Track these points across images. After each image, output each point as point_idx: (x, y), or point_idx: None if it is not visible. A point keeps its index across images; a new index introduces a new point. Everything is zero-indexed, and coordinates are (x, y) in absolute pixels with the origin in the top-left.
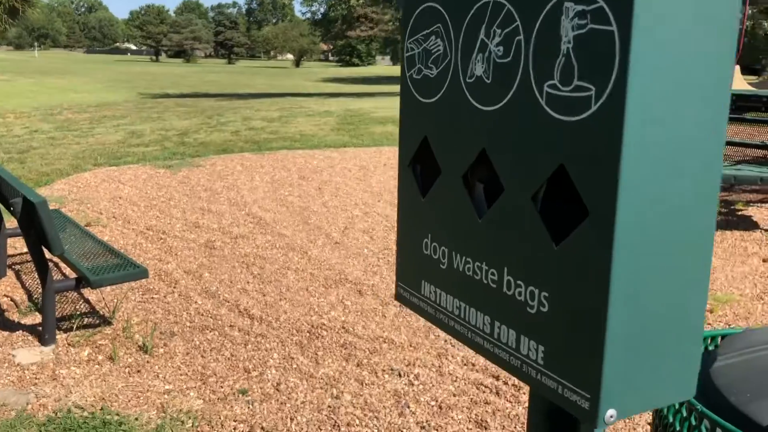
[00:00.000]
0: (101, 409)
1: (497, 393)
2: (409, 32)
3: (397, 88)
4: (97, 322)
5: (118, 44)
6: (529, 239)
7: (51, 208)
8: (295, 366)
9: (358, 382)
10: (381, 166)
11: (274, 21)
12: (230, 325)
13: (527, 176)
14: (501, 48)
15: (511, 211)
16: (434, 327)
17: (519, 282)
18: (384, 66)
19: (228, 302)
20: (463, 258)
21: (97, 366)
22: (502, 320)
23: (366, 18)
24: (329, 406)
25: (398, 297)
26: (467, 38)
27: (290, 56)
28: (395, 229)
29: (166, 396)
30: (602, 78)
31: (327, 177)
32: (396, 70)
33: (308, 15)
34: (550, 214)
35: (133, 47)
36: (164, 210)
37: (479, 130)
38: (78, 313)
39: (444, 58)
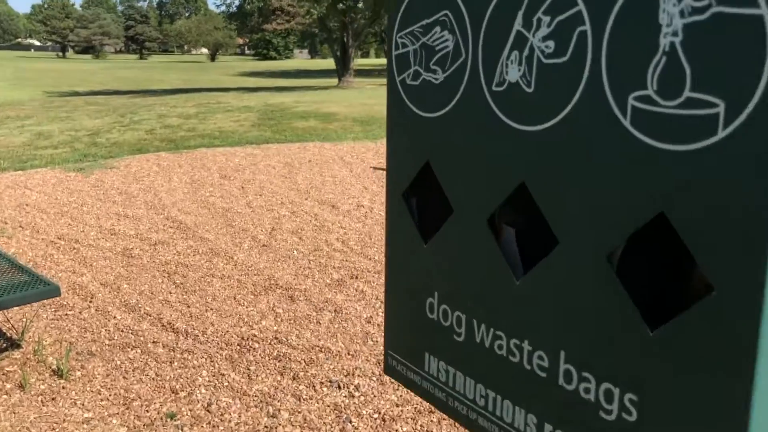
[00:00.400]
0: None
1: None
2: (400, 23)
3: (317, 81)
4: (4, 345)
5: (19, 40)
6: (601, 316)
7: None
8: (226, 383)
9: (296, 397)
10: (306, 163)
11: (186, 14)
12: (153, 342)
13: (598, 227)
14: (551, 43)
15: (570, 274)
16: (373, 332)
17: (585, 375)
18: (302, 59)
19: (150, 316)
20: (491, 330)
21: (5, 396)
22: (557, 424)
23: (282, 11)
24: (266, 426)
25: (388, 370)
26: (493, 30)
27: (205, 50)
28: (325, 228)
29: (85, 426)
30: (739, 88)
31: (250, 175)
32: (315, 64)
33: (223, 8)
34: (637, 281)
35: (37, 43)
36: (76, 217)
37: (515, 158)
38: None
39: (456, 57)
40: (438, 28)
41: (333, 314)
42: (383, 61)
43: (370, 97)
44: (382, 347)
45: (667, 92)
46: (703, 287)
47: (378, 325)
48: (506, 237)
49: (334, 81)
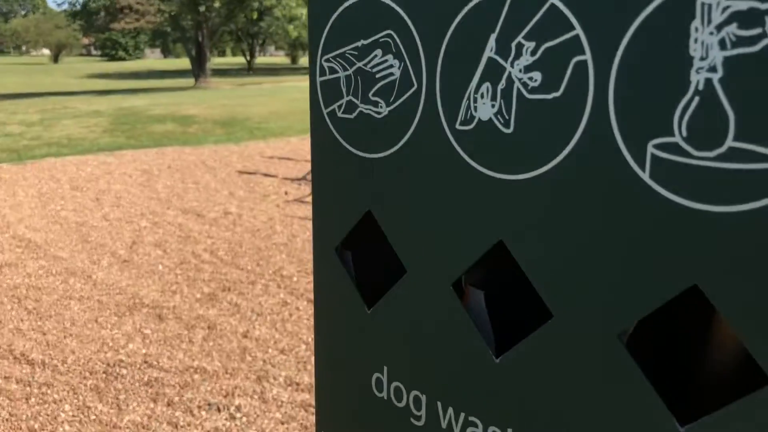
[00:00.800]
0: None
1: None
2: (325, 44)
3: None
4: None
5: None
6: (609, 407)
7: None
8: (93, 417)
9: (172, 425)
10: (166, 169)
11: (23, 13)
12: (5, 377)
13: (605, 298)
14: (537, 75)
15: (566, 353)
16: (251, 346)
17: None
18: (155, 59)
19: None
20: (462, 415)
21: None
22: None
23: (131, 9)
24: None
25: None
26: (456, 56)
27: (46, 51)
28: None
29: None
30: None
31: (105, 185)
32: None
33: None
34: (662, 367)
35: None
36: None
37: (488, 212)
38: None
39: (404, 87)
40: (379, 52)
41: (206, 331)
42: (241, 59)
43: (229, 98)
44: (261, 362)
45: (701, 141)
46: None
47: (256, 339)
48: (472, 301)
49: (191, 82)
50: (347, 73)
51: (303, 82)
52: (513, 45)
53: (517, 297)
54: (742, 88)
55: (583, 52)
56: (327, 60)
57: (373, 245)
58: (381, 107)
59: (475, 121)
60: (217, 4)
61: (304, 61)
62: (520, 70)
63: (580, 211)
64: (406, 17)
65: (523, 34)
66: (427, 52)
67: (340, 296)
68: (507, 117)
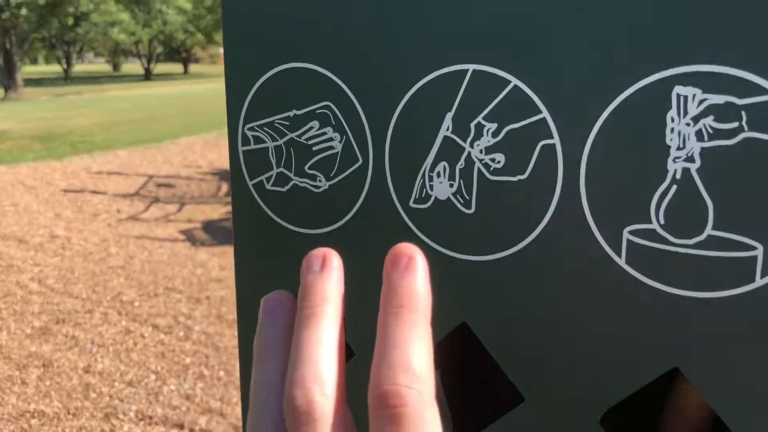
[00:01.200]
0: None
1: None
2: (248, 111)
3: None
4: None
5: None
6: None
7: None
8: None
9: None
10: None
11: None
12: None
13: (582, 383)
14: (500, 157)
15: None
16: (94, 382)
17: None
18: None
19: None
20: None
21: None
22: None
23: None
24: None
25: None
26: (407, 133)
27: None
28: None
29: None
30: None
31: None
32: None
33: None
34: None
35: None
36: None
37: (451, 292)
38: None
39: (347, 161)
40: (315, 123)
41: (41, 369)
42: (56, 68)
43: (47, 110)
44: (108, 397)
45: (681, 228)
46: None
47: (99, 373)
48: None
49: None
50: (277, 143)
51: (128, 91)
52: (472, 125)
53: (476, 377)
54: (721, 179)
55: (550, 137)
56: (251, 129)
57: None
58: (320, 181)
59: (432, 200)
60: (24, 11)
61: (127, 68)
62: (481, 151)
63: (551, 294)
64: (347, 89)
65: (483, 114)
66: (373, 127)
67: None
68: (468, 197)
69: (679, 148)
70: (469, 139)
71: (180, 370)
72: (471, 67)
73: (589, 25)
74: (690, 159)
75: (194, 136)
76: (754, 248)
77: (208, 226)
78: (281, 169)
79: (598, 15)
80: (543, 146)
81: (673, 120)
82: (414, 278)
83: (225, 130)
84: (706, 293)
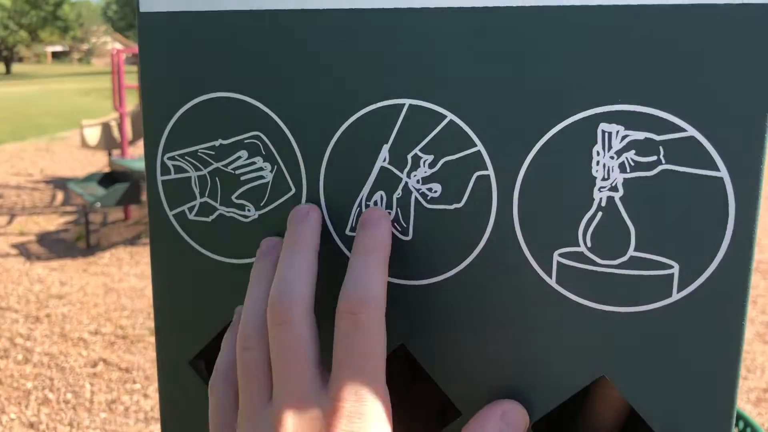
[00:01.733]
0: None
1: None
2: (168, 141)
3: None
4: None
5: None
6: None
7: None
8: None
9: None
10: None
11: None
12: None
13: (518, 396)
14: (436, 186)
15: None
16: None
17: None
18: None
19: None
20: None
21: None
22: None
23: None
24: None
25: None
26: (342, 164)
27: None
28: None
29: None
30: (696, 251)
31: None
32: None
33: None
34: None
35: None
36: None
37: (389, 316)
38: None
39: (279, 191)
40: (244, 153)
41: None
42: None
43: None
44: None
45: (605, 251)
46: None
47: None
48: None
49: None
50: (201, 173)
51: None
52: (409, 157)
53: (415, 396)
54: (641, 206)
55: (485, 168)
56: (171, 158)
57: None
58: (248, 210)
59: None
60: None
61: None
62: (418, 181)
63: (487, 315)
64: (279, 121)
65: (420, 147)
66: (306, 158)
67: (196, 411)
68: (405, 225)
69: (603, 179)
70: (406, 170)
71: (20, 396)
72: (407, 102)
73: (520, 69)
74: (614, 188)
75: (22, 142)
76: (671, 267)
77: (44, 239)
78: (205, 199)
79: (527, 60)
80: (478, 177)
81: (598, 153)
82: (378, 230)
83: (57, 135)
84: (629, 308)
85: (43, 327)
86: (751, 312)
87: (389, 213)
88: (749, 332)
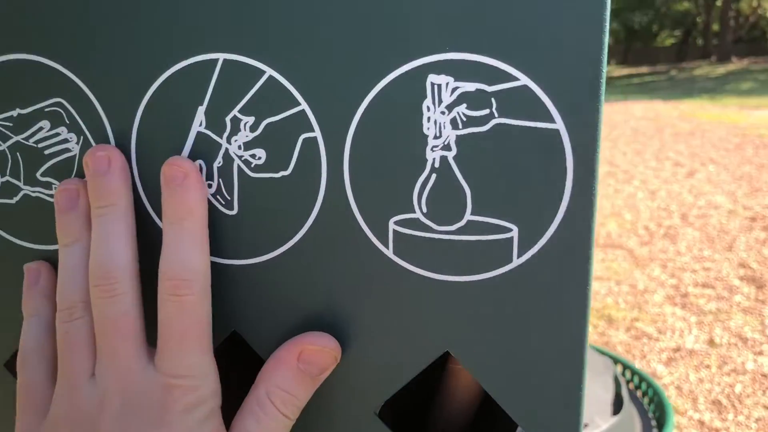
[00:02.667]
0: None
1: None
2: None
3: None
4: None
5: None
6: None
7: None
8: None
9: None
10: None
11: None
12: None
13: (360, 376)
14: (260, 152)
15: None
16: None
17: None
18: None
19: None
20: None
21: None
22: None
23: None
24: None
25: None
26: (156, 131)
27: None
28: None
29: None
30: (535, 210)
31: None
32: None
33: None
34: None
35: None
36: None
37: (222, 300)
38: None
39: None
40: (46, 123)
41: None
42: None
43: None
44: None
45: (442, 216)
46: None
47: None
48: None
49: None
50: (0, 148)
51: None
52: (228, 119)
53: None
54: (476, 165)
55: (311, 129)
56: None
57: None
58: (56, 189)
59: None
60: None
61: None
62: (239, 147)
63: (324, 291)
64: (81, 84)
65: (238, 107)
66: (114, 125)
67: (12, 411)
68: (229, 198)
69: (436, 137)
70: (225, 135)
71: None
72: (221, 56)
73: (341, 15)
74: (447, 147)
75: None
76: (510, 230)
77: None
78: (7, 178)
79: (348, 4)
80: (304, 140)
81: (429, 109)
82: (187, 192)
83: None
84: (470, 277)
85: None
86: (661, 276)
87: (210, 185)
88: (660, 295)
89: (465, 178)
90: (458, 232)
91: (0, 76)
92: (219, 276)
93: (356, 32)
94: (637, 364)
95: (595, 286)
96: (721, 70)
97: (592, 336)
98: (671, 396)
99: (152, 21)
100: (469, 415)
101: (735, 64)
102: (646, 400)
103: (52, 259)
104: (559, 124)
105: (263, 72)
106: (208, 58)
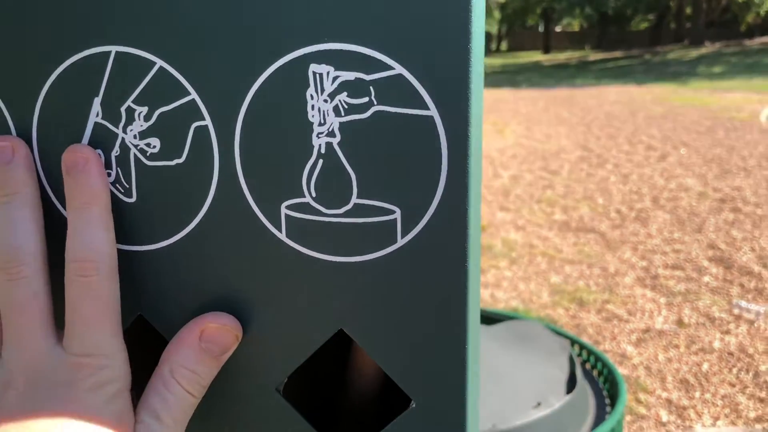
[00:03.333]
0: None
1: None
2: None
3: None
4: None
5: None
6: None
7: None
8: None
9: None
10: None
11: None
12: None
13: (260, 352)
14: (155, 141)
15: (222, 409)
16: None
17: None
18: None
19: None
20: None
21: None
22: None
23: None
24: None
25: None
26: (56, 119)
27: None
28: None
29: None
30: (415, 192)
31: None
32: None
33: None
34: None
35: None
36: None
37: (127, 284)
38: None
39: None
40: None
41: None
42: None
43: None
44: None
45: (330, 200)
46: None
47: None
48: None
49: None
50: None
51: None
52: (123, 109)
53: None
54: (359, 151)
55: (202, 118)
56: None
57: None
58: None
59: None
60: None
61: None
62: (135, 136)
63: (221, 276)
64: None
65: (132, 98)
66: (15, 117)
67: None
68: (127, 186)
69: (320, 124)
70: (121, 125)
71: None
72: (113, 48)
73: (225, 7)
74: (331, 134)
75: None
76: (393, 212)
77: None
78: None
79: None
80: (196, 128)
81: (312, 97)
82: (89, 178)
83: None
84: (358, 257)
85: None
86: (631, 258)
87: (109, 173)
88: (630, 277)
89: (350, 163)
90: (346, 214)
91: None
92: (122, 262)
93: (240, 24)
94: (608, 346)
95: (567, 270)
96: (694, 53)
97: (563, 318)
98: (641, 376)
99: (46, 15)
100: (375, 386)
101: (708, 48)
102: (602, 379)
103: None
104: (433, 111)
105: (154, 63)
106: (102, 50)
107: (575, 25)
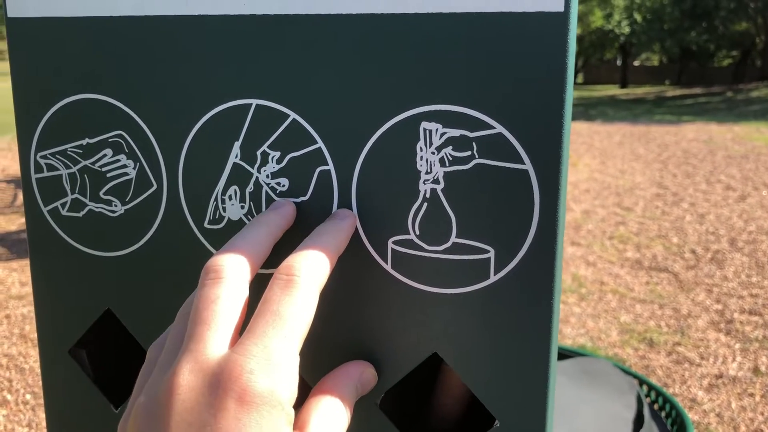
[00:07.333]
0: None
1: None
2: (39, 140)
3: None
4: None
5: None
6: None
7: None
8: None
9: None
10: None
11: None
12: None
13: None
14: (284, 181)
15: None
16: None
17: None
18: None
19: None
20: None
21: None
22: None
23: None
24: None
25: None
26: (198, 160)
27: None
28: None
29: None
30: (509, 236)
31: None
32: None
33: None
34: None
35: None
36: None
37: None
38: None
39: (142, 187)
40: (109, 151)
41: None
42: None
43: None
44: None
45: (431, 238)
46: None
47: None
48: None
49: None
50: (71, 171)
51: None
52: (258, 153)
53: None
54: (459, 197)
55: (326, 163)
56: (44, 157)
57: (107, 341)
58: (115, 206)
59: (225, 220)
60: None
61: None
62: (267, 176)
63: (335, 302)
64: (138, 119)
65: (267, 143)
66: (166, 155)
67: (79, 399)
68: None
69: (427, 173)
70: (256, 166)
71: None
72: (254, 102)
73: (349, 68)
74: (436, 181)
75: None
76: (487, 251)
77: (4, 239)
78: (76, 196)
79: (358, 62)
80: (320, 171)
81: (421, 149)
82: (343, 222)
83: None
84: (454, 290)
85: (2, 328)
86: (706, 301)
87: (242, 206)
88: (704, 320)
89: (451, 207)
90: (445, 251)
91: (73, 112)
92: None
93: (363, 84)
94: (677, 389)
95: (638, 309)
96: None
97: (632, 358)
98: (711, 423)
99: (198, 71)
100: (461, 406)
101: None
102: (669, 421)
103: (108, 264)
104: (528, 166)
105: (288, 115)
106: (244, 103)
107: (654, 60)
